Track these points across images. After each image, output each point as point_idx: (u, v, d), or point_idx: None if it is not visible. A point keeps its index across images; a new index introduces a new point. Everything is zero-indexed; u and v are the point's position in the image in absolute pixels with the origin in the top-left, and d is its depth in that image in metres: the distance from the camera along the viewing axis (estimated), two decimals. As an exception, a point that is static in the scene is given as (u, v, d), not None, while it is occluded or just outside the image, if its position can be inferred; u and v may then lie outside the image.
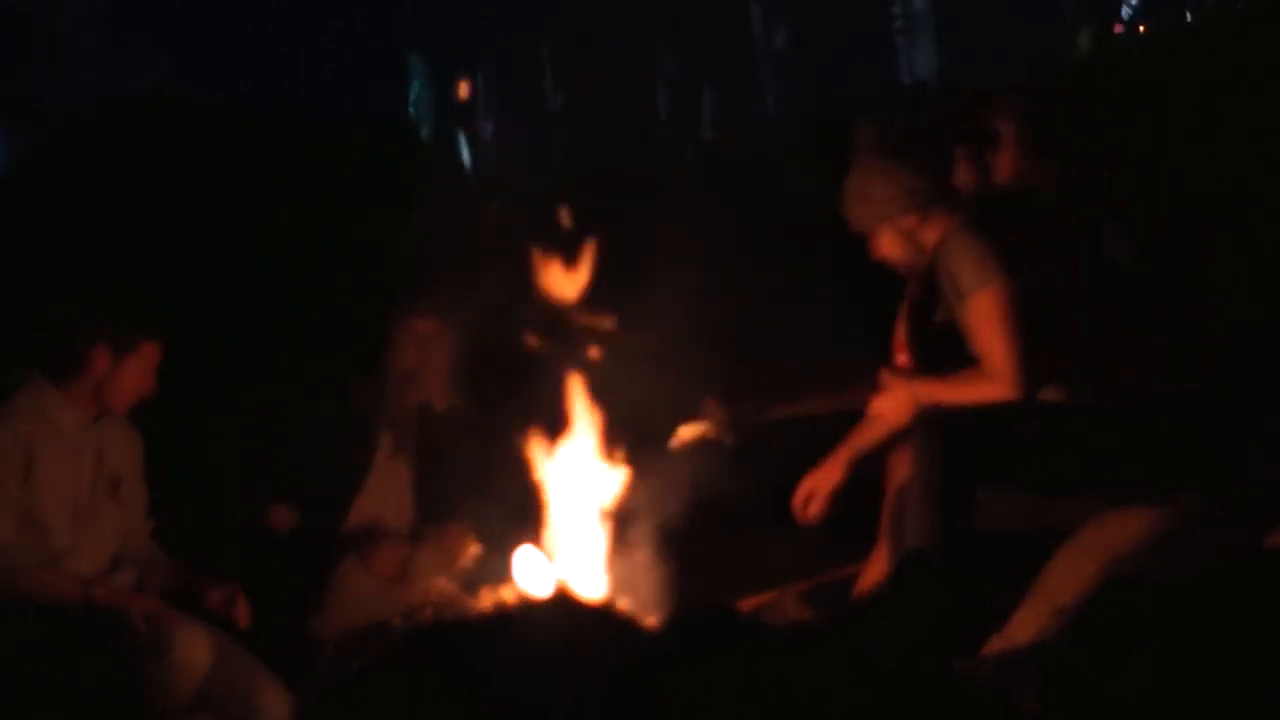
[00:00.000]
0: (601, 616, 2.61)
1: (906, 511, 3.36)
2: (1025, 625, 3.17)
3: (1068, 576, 3.23)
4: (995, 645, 3.16)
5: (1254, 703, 2.14)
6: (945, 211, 3.59)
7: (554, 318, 3.73)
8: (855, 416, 3.76)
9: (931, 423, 3.38)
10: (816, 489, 3.68)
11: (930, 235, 3.60)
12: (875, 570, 3.68)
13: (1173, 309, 3.50)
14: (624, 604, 3.64)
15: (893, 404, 3.57)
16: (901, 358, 3.72)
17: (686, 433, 3.88)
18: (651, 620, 3.52)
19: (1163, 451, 3.34)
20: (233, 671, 3.81)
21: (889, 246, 3.68)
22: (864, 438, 3.68)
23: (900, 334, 3.76)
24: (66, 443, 3.78)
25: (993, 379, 3.41)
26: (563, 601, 2.71)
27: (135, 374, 3.87)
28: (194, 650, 3.61)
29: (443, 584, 3.65)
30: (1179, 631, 2.23)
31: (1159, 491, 3.34)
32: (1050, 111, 3.75)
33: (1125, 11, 35.38)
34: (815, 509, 3.67)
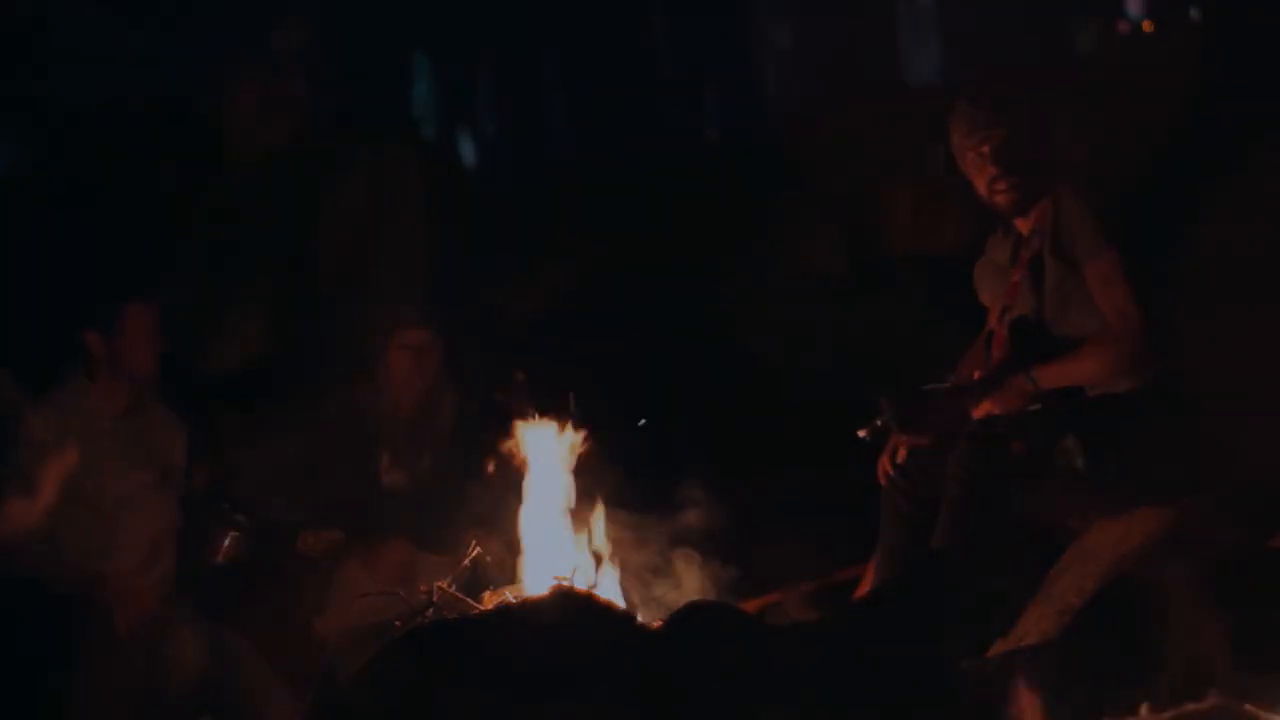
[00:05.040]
0: (602, 616, 2.61)
1: (946, 517, 3.32)
2: (1031, 626, 3.17)
3: (1072, 578, 3.22)
4: (1000, 646, 3.16)
5: (1254, 703, 2.15)
6: (1054, 176, 3.50)
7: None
8: None
9: (973, 436, 3.34)
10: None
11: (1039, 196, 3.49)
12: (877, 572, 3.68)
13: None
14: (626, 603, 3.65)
15: (1012, 398, 3.43)
16: (997, 353, 3.56)
17: (866, 429, 3.72)
18: (653, 620, 3.52)
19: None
20: (235, 673, 3.83)
21: (1019, 150, 3.47)
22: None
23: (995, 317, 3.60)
24: (99, 435, 3.85)
25: (1121, 340, 3.33)
26: (563, 601, 2.71)
27: (135, 344, 3.94)
28: (184, 652, 3.69)
29: (444, 585, 3.65)
30: (1179, 631, 2.23)
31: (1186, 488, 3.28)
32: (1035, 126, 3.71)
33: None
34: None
